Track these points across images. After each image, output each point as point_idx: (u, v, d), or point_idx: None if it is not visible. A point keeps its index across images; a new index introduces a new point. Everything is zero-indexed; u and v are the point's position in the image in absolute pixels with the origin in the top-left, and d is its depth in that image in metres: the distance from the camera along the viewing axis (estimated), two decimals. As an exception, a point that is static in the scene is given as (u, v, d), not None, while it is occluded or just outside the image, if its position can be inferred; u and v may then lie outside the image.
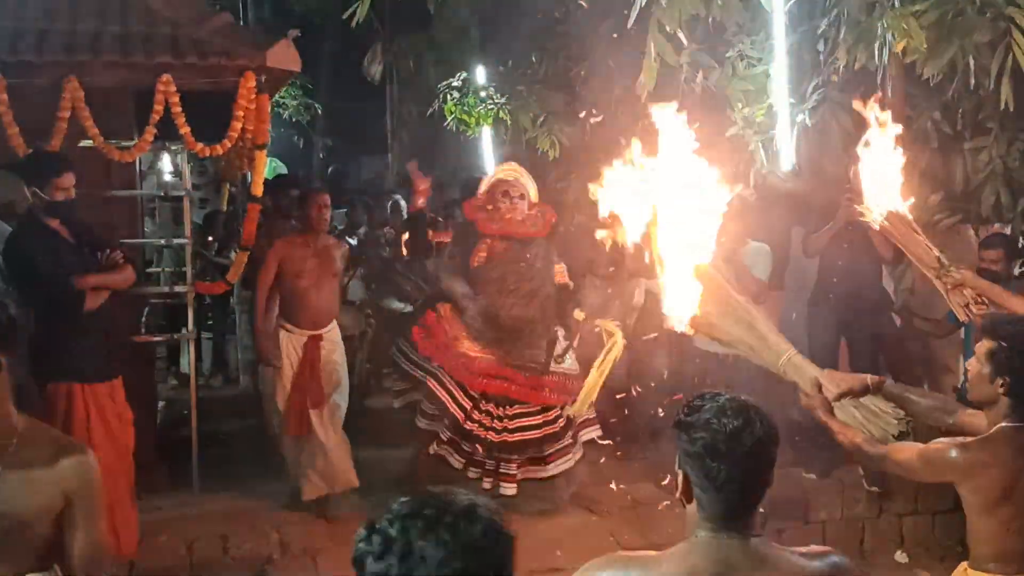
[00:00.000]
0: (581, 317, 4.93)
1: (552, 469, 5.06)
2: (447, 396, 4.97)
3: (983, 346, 2.72)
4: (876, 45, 4.33)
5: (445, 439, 4.99)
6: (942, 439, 2.70)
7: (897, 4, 4.20)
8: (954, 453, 2.64)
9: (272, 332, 5.30)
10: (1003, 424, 2.66)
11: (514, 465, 4.97)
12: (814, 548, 1.94)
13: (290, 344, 5.25)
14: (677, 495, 1.92)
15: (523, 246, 5.08)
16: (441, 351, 5.05)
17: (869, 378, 2.83)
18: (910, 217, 3.20)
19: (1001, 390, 2.65)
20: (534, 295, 5.05)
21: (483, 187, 5.32)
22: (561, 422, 5.05)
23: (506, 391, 4.97)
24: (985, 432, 2.69)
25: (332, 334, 5.38)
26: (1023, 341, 2.64)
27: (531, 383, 5.00)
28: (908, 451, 2.69)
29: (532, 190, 5.25)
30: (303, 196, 5.50)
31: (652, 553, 1.89)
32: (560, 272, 5.26)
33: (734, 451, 1.81)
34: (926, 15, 4.11)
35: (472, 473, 4.97)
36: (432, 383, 5.03)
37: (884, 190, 3.10)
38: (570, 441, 5.10)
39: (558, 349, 5.10)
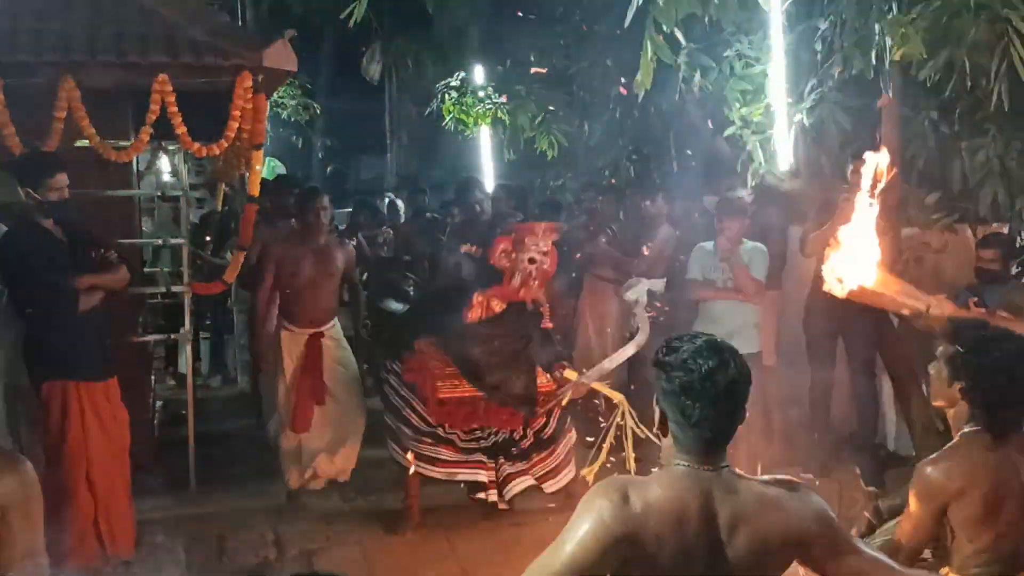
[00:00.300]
0: (572, 377, 4.81)
1: (548, 488, 4.96)
2: (430, 430, 4.87)
3: (944, 350, 2.74)
4: (874, 51, 4.32)
5: (442, 459, 4.88)
6: (913, 487, 2.68)
7: (895, 9, 4.19)
8: (930, 471, 2.63)
9: (273, 333, 5.31)
10: (966, 429, 2.67)
11: (505, 463, 4.92)
12: (779, 477, 2.08)
13: (292, 343, 5.27)
14: (655, 429, 2.07)
15: (521, 308, 4.88)
16: (433, 406, 4.88)
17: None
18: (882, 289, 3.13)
19: (959, 394, 2.67)
20: (518, 354, 4.91)
21: (517, 232, 4.89)
22: (548, 430, 4.98)
23: (492, 423, 4.89)
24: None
25: (334, 331, 5.39)
26: (984, 348, 2.64)
27: (511, 414, 4.91)
28: (903, 526, 2.72)
29: (551, 241, 4.93)
30: (302, 197, 5.50)
31: (642, 478, 2.04)
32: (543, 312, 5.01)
33: (708, 390, 1.93)
34: (921, 18, 4.10)
35: (466, 475, 4.92)
36: (416, 420, 4.89)
37: (857, 263, 3.04)
38: (561, 459, 5.01)
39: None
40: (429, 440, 4.85)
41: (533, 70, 8.21)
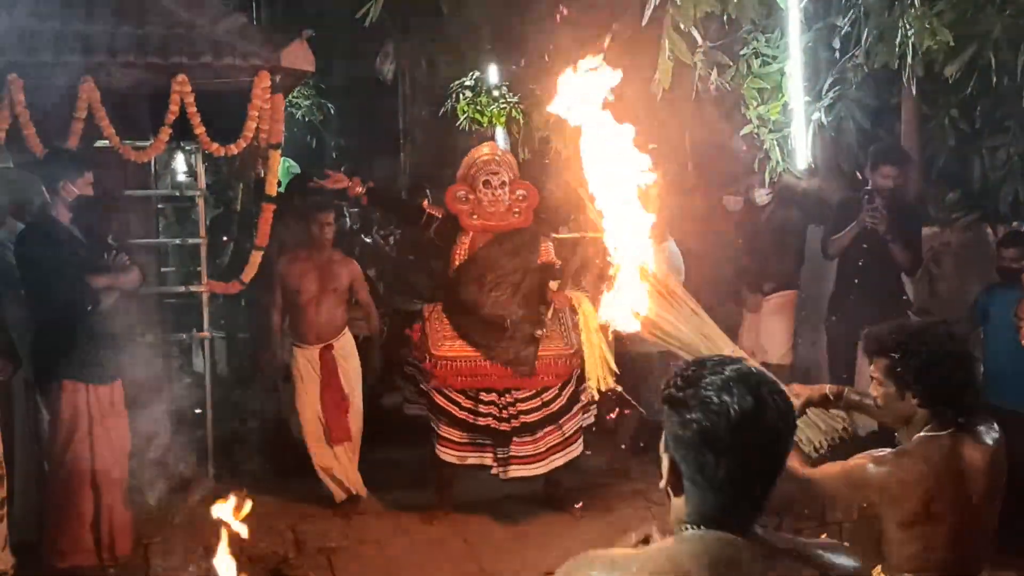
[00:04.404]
0: (555, 287, 4.92)
1: (548, 464, 4.98)
2: (449, 402, 4.94)
3: (876, 366, 2.54)
4: (897, 45, 4.29)
5: (453, 440, 4.96)
6: (860, 455, 2.54)
7: (917, 4, 4.16)
8: (872, 468, 2.48)
9: (287, 349, 5.35)
10: (921, 434, 2.50)
11: (527, 447, 4.93)
12: (827, 541, 1.81)
13: (304, 359, 5.29)
14: (662, 485, 1.54)
15: (506, 239, 4.98)
16: (432, 364, 4.98)
17: (828, 388, 2.71)
18: None
19: (915, 402, 2.48)
20: (517, 289, 4.96)
21: (461, 170, 5.16)
22: (558, 403, 4.99)
23: (494, 383, 4.94)
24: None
25: (343, 343, 5.40)
26: (916, 344, 2.48)
27: (508, 374, 4.94)
28: (831, 471, 2.54)
29: (513, 168, 5.13)
30: (306, 212, 5.47)
31: (633, 551, 1.57)
32: (546, 250, 5.10)
33: (738, 443, 1.42)
34: (945, 13, 4.07)
35: (474, 459, 4.95)
36: (435, 394, 4.98)
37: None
38: (570, 434, 5.04)
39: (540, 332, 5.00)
40: (446, 420, 4.91)
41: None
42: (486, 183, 4.96)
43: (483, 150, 5.17)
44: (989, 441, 2.53)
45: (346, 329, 5.44)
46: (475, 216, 5.01)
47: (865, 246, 5.36)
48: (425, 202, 5.39)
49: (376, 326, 5.71)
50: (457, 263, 5.01)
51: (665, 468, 1.52)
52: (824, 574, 1.68)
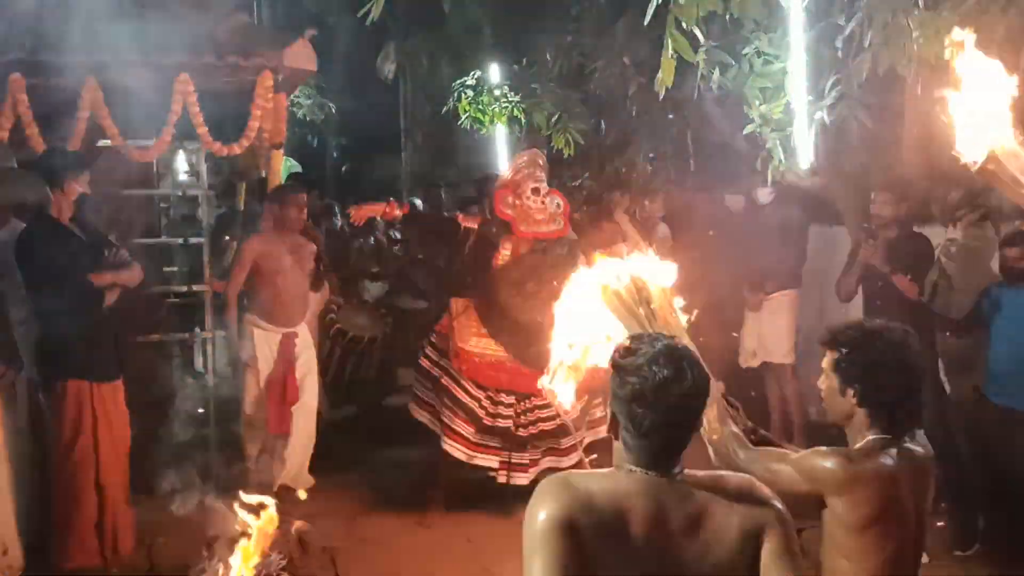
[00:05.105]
0: None
1: (571, 459, 5.04)
2: (469, 398, 4.96)
3: (827, 359, 2.53)
4: (905, 46, 4.26)
5: (465, 436, 4.97)
6: (820, 448, 2.46)
7: (921, 4, 4.15)
8: (831, 463, 2.39)
9: (245, 331, 5.29)
10: (870, 437, 2.45)
11: (526, 456, 4.96)
12: (726, 473, 1.99)
13: (265, 343, 5.26)
14: (606, 430, 1.98)
15: (549, 247, 5.00)
16: (457, 356, 5.03)
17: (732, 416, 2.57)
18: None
19: (854, 400, 2.46)
20: (553, 296, 4.98)
21: (510, 174, 5.18)
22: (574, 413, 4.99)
23: (517, 386, 4.96)
24: (850, 448, 2.47)
25: (304, 332, 5.41)
26: (866, 344, 2.45)
27: (535, 376, 4.95)
28: (781, 457, 2.47)
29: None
30: (280, 195, 5.42)
31: (587, 471, 2.03)
32: (585, 263, 5.16)
33: (660, 401, 1.82)
34: (951, 12, 4.06)
35: (483, 460, 4.97)
36: (455, 388, 5.01)
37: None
38: (567, 446, 5.08)
39: None
40: (462, 415, 4.93)
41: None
42: (535, 191, 4.99)
43: (526, 158, 5.21)
44: (928, 461, 2.49)
45: (305, 322, 5.44)
46: (523, 224, 5.01)
47: (879, 284, 5.24)
48: (460, 216, 5.39)
49: (326, 293, 5.76)
50: (499, 265, 5.02)
51: (608, 419, 1.94)
52: (733, 502, 1.88)
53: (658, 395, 1.82)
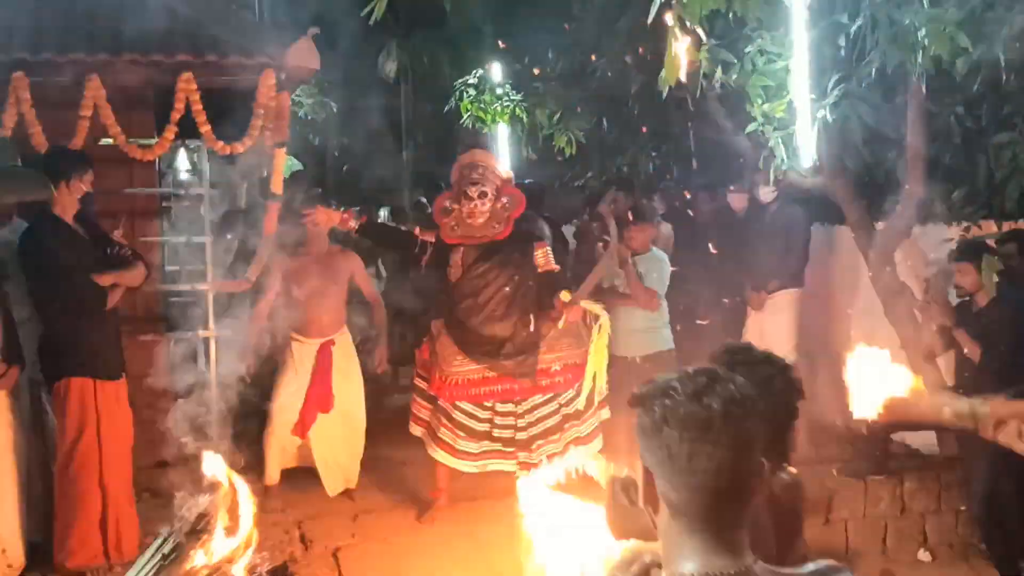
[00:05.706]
0: (567, 298, 4.78)
1: (596, 445, 4.99)
2: (466, 416, 4.94)
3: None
4: (910, 46, 4.25)
5: (471, 452, 4.95)
6: None
7: (927, 5, 4.15)
8: None
9: (284, 343, 5.33)
10: None
11: (535, 454, 4.94)
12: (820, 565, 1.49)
13: (302, 353, 5.29)
14: (641, 502, 1.45)
15: (492, 251, 4.84)
16: (439, 385, 4.96)
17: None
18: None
19: None
20: (511, 300, 4.87)
21: (453, 175, 5.00)
22: (574, 404, 5.00)
23: (509, 395, 4.94)
24: None
25: (343, 340, 5.40)
26: (739, 364, 2.07)
27: (512, 382, 4.94)
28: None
29: (500, 174, 4.97)
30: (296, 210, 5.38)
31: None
32: (544, 257, 4.97)
33: (697, 414, 1.36)
34: (955, 11, 4.05)
35: (495, 465, 4.96)
36: (454, 415, 4.97)
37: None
38: (590, 430, 5.04)
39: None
40: (462, 434, 4.91)
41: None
42: (465, 194, 4.80)
43: (467, 157, 4.98)
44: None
45: (345, 329, 5.43)
46: (456, 228, 4.88)
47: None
48: (417, 228, 5.15)
49: (382, 319, 5.62)
50: (453, 280, 4.93)
51: (641, 481, 1.43)
52: None
53: (693, 407, 1.38)
